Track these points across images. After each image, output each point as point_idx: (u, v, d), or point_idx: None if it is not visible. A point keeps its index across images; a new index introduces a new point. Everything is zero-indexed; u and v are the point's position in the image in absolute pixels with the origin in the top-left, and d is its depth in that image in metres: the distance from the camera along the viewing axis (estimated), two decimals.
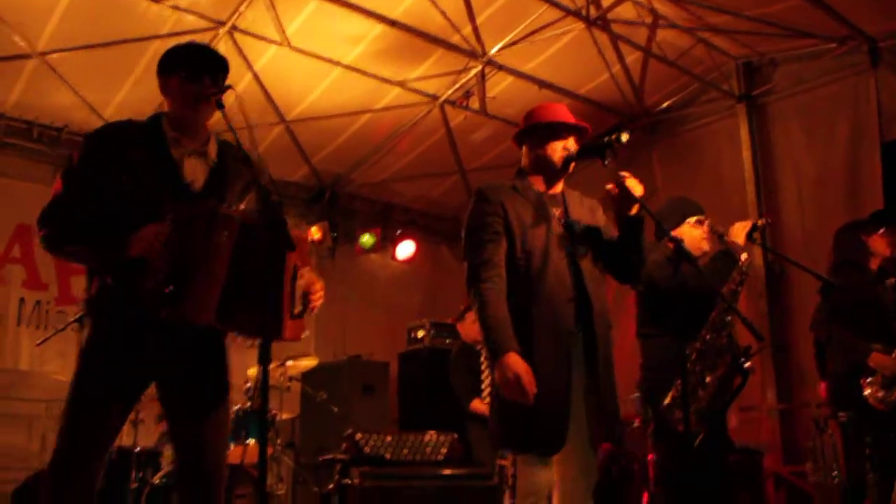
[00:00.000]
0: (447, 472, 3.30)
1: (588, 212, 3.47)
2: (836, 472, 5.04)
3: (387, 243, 9.53)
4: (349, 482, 3.06)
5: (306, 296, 2.85)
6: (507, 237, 3.25)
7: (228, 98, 2.84)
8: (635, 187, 3.20)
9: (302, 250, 2.85)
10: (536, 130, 3.41)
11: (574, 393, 3.17)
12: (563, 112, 3.45)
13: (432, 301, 9.61)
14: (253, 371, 6.09)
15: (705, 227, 4.21)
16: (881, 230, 4.82)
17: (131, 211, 2.70)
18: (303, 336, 2.88)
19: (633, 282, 3.51)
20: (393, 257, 9.59)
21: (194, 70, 2.87)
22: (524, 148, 3.48)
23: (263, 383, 2.50)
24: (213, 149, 2.96)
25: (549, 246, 3.24)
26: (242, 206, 2.91)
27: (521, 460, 3.15)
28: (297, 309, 2.81)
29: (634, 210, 3.23)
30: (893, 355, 4.43)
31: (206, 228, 2.65)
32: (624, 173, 3.21)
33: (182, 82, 2.87)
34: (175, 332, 2.73)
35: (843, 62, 7.30)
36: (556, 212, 3.36)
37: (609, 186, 3.24)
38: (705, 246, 4.21)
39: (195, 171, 2.89)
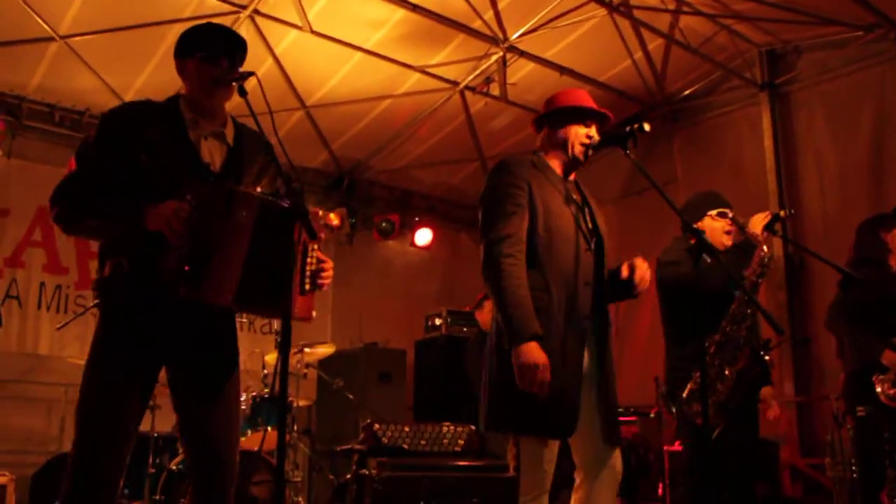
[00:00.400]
0: (464, 463, 3.30)
1: (598, 208, 3.45)
2: (854, 467, 5.00)
3: (405, 230, 9.53)
4: (366, 472, 3.07)
5: (315, 273, 2.83)
6: (529, 212, 3.17)
7: (249, 83, 2.82)
8: (643, 281, 3.20)
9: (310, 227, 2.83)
10: (560, 114, 3.38)
11: (586, 382, 3.14)
12: (586, 97, 3.42)
13: (450, 289, 9.61)
14: (270, 357, 6.11)
15: (728, 220, 4.17)
16: None
17: (149, 190, 2.68)
18: (313, 314, 2.84)
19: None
20: (411, 244, 9.59)
21: (212, 52, 2.84)
22: (543, 132, 3.43)
23: (283, 370, 2.48)
24: (230, 131, 2.95)
25: (571, 228, 3.21)
26: (259, 189, 2.89)
27: (526, 453, 3.08)
28: (307, 285, 2.80)
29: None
30: None
31: (226, 207, 2.64)
32: (638, 263, 3.21)
33: (200, 64, 2.84)
34: (189, 313, 2.71)
35: (869, 50, 7.19)
36: (574, 197, 3.34)
37: (623, 269, 3.23)
38: (727, 241, 4.16)
39: (212, 153, 2.87)
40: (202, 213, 2.60)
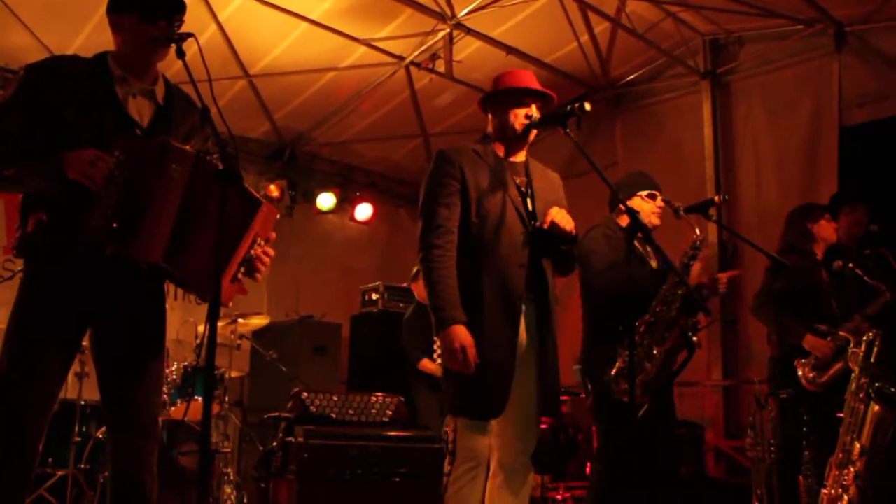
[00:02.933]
0: (392, 433, 3.32)
1: (550, 185, 3.50)
2: (773, 448, 5.16)
3: (345, 204, 9.49)
4: (292, 440, 3.04)
5: (251, 261, 2.80)
6: (462, 200, 3.27)
7: (190, 49, 2.75)
8: (560, 223, 3.26)
9: (267, 221, 2.81)
10: (500, 96, 3.42)
11: (523, 361, 3.21)
12: (528, 78, 3.45)
13: (388, 264, 9.58)
14: (203, 328, 6.04)
15: (657, 202, 4.24)
16: (826, 216, 4.95)
17: (74, 145, 2.60)
18: (230, 304, 2.84)
19: (563, 275, 3.55)
20: (351, 219, 9.55)
21: (151, 11, 2.78)
22: (489, 114, 3.49)
23: (211, 337, 2.45)
24: (160, 90, 2.90)
25: (504, 211, 3.26)
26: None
27: (461, 426, 3.19)
28: (241, 274, 2.78)
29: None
30: (828, 339, 4.54)
31: (158, 161, 2.58)
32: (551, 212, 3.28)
33: (137, 23, 2.78)
34: (116, 273, 2.66)
35: (809, 44, 7.33)
36: (517, 180, 3.37)
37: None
38: (655, 220, 4.25)
39: (141, 111, 2.82)
40: (132, 166, 2.54)
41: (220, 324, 6.17)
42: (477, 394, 3.12)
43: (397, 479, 3.07)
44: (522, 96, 3.39)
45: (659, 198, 4.21)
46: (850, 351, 4.29)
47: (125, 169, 2.54)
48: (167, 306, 3.00)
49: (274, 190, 8.68)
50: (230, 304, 2.85)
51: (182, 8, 2.85)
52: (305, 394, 3.32)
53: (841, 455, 4.09)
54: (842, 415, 4.26)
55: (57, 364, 2.69)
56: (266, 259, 2.86)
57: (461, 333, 3.08)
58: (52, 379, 2.68)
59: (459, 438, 3.19)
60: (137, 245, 2.55)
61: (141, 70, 2.84)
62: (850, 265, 4.58)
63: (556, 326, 3.35)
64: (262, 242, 2.82)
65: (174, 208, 2.59)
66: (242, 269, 2.79)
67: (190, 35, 2.76)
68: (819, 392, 4.56)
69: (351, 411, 3.39)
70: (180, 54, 2.73)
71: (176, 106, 2.91)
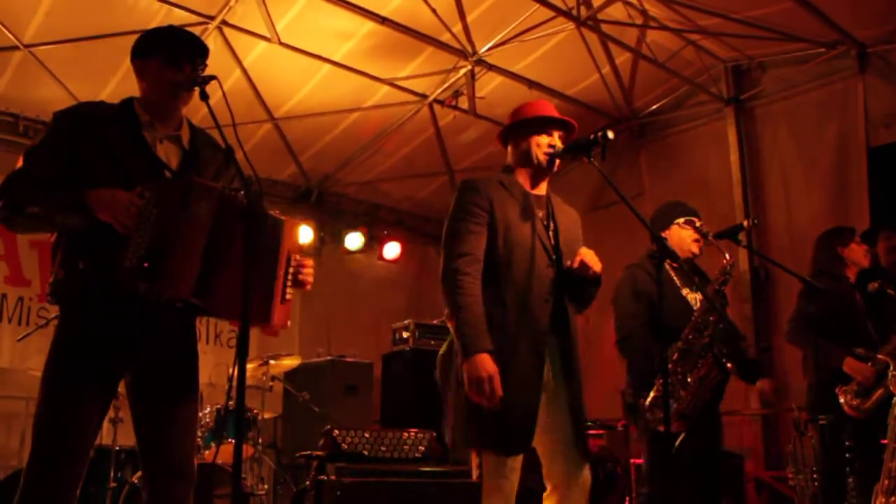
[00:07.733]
0: (425, 469, 3.29)
1: (571, 221, 3.48)
2: (816, 476, 5.03)
3: (373, 244, 9.51)
4: (325, 478, 3.03)
5: (295, 276, 2.83)
6: (489, 230, 3.23)
7: (214, 94, 2.77)
8: (590, 266, 3.23)
9: (294, 235, 2.86)
10: (521, 126, 3.40)
11: (550, 394, 3.16)
12: (547, 107, 3.44)
13: (418, 302, 9.58)
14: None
15: (693, 229, 4.18)
16: (856, 238, 4.88)
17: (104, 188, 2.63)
18: (287, 323, 2.84)
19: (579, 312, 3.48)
20: (379, 258, 9.57)
21: (175, 55, 2.81)
22: (509, 146, 3.47)
23: (240, 373, 2.45)
24: (186, 135, 2.92)
25: (531, 245, 3.22)
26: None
27: (488, 462, 3.09)
28: (289, 295, 2.79)
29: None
30: (868, 364, 4.45)
31: (185, 200, 2.60)
32: (582, 252, 3.25)
33: (162, 68, 2.81)
34: (149, 314, 2.67)
35: (832, 67, 7.31)
36: (540, 213, 3.34)
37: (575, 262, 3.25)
38: (695, 248, 4.18)
39: (168, 155, 2.85)
40: (160, 207, 2.56)
41: (251, 365, 6.21)
42: (502, 428, 3.03)
43: None
44: (544, 125, 3.37)
45: (696, 223, 4.15)
46: (890, 374, 4.20)
47: (154, 209, 2.56)
48: (200, 350, 3.00)
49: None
50: (287, 325, 2.85)
51: (205, 51, 2.89)
52: (337, 431, 3.30)
53: (887, 482, 3.99)
54: (885, 441, 4.15)
55: (93, 411, 2.69)
56: (307, 268, 2.89)
57: (488, 362, 2.98)
58: (89, 426, 2.67)
59: (486, 476, 3.08)
60: (167, 283, 2.56)
61: (166, 115, 2.87)
62: (886, 287, 4.49)
63: (579, 362, 3.28)
64: (298, 257, 2.84)
65: (202, 244, 2.61)
66: (289, 284, 2.80)
67: (213, 78, 2.77)
68: (861, 418, 4.46)
69: (383, 448, 3.36)
70: (204, 97, 2.75)
71: (202, 149, 2.93)
